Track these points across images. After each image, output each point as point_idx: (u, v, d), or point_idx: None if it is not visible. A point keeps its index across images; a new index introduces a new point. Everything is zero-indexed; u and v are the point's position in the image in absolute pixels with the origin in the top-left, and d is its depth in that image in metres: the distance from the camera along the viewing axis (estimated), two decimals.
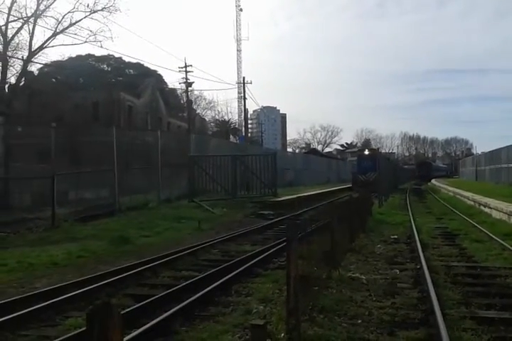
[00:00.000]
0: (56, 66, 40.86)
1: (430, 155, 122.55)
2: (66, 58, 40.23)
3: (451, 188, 31.48)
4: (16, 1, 28.06)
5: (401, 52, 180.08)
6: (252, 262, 7.99)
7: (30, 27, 28.99)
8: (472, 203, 19.84)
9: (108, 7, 29.26)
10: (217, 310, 5.57)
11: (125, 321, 5.05)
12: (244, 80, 44.00)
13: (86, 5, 28.91)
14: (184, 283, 6.61)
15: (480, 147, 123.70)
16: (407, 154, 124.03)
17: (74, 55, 44.52)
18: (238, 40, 79.58)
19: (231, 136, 64.64)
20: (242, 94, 44.65)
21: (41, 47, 29.88)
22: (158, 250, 9.72)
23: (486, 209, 16.46)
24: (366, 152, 36.22)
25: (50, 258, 8.99)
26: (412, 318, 5.30)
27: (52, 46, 30.72)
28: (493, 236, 10.64)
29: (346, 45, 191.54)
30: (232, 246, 10.44)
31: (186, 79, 40.72)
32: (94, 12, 29.23)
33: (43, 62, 33.75)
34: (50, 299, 5.78)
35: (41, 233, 12.24)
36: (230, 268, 7.54)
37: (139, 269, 7.61)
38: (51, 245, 10.54)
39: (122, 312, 5.30)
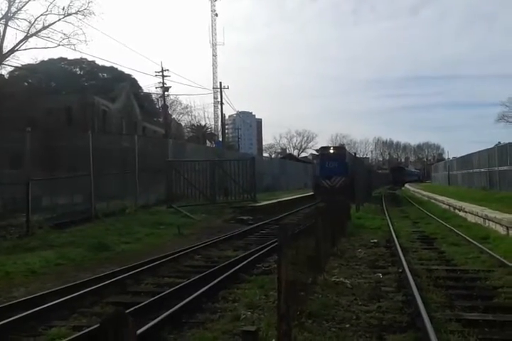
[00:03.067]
0: (28, 69, 40.02)
1: (403, 160, 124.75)
2: (38, 62, 39.43)
3: (425, 193, 32.08)
4: None
5: (375, 59, 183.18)
6: (237, 268, 7.94)
7: (1, 29, 28.52)
8: (447, 207, 20.25)
9: (82, 10, 29.03)
10: (204, 317, 5.50)
11: None
12: (221, 85, 44.00)
13: (61, 8, 28.59)
14: (169, 290, 6.51)
15: (451, 152, 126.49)
16: (380, 159, 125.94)
17: (46, 59, 43.67)
18: (214, 45, 79.71)
19: (207, 141, 64.44)
20: (219, 99, 44.64)
21: (13, 50, 29.36)
22: (139, 256, 9.57)
23: (461, 213, 16.81)
24: (331, 150, 28.04)
25: (27, 266, 8.72)
26: (399, 322, 5.35)
27: (25, 49, 30.20)
28: (471, 240, 10.87)
29: (322, 51, 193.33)
30: (214, 252, 10.36)
31: (163, 83, 40.47)
32: (68, 15, 28.97)
33: (15, 65, 33.06)
34: (30, 308, 5.60)
35: (15, 240, 11.87)
36: (215, 274, 7.48)
37: (121, 276, 7.47)
38: (27, 252, 10.23)
39: None
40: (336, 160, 25.94)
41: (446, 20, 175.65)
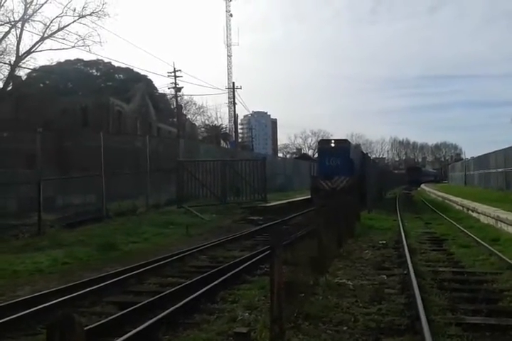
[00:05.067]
0: (44, 71, 40.59)
1: (420, 160, 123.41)
2: (55, 63, 39.98)
3: (440, 193, 31.67)
4: (2, 5, 27.94)
5: (392, 58, 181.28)
6: (240, 268, 7.92)
7: (18, 31, 28.86)
8: (461, 208, 19.96)
9: (97, 12, 29.22)
10: (201, 318, 5.49)
11: (108, 329, 4.99)
12: (233, 85, 44.08)
13: (73, 9, 28.86)
14: (169, 290, 6.53)
15: (469, 152, 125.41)
16: (397, 159, 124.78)
17: (63, 60, 44.25)
18: (228, 46, 79.80)
19: (222, 141, 64.59)
20: (232, 100, 44.70)
21: (29, 52, 29.71)
22: (146, 256, 9.62)
23: (474, 214, 16.56)
24: (332, 144, 22.83)
25: (35, 265, 8.86)
26: (398, 325, 5.26)
27: (40, 51, 30.56)
28: (481, 241, 10.68)
29: (338, 51, 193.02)
30: (220, 252, 10.36)
31: (175, 84, 40.69)
32: (83, 17, 29.17)
33: (31, 67, 33.55)
34: (31, 307, 5.67)
35: (27, 239, 12.09)
36: (217, 274, 7.48)
37: (125, 276, 7.51)
38: (37, 252, 10.39)
39: (105, 320, 5.22)
40: (339, 156, 21.41)
41: (465, 19, 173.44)
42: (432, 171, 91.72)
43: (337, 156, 21.51)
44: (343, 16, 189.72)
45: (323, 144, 23.85)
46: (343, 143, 22.99)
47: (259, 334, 4.62)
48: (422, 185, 57.62)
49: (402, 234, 12.22)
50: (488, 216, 14.32)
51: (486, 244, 10.25)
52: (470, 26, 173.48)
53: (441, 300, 6.17)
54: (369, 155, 32.01)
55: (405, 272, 7.82)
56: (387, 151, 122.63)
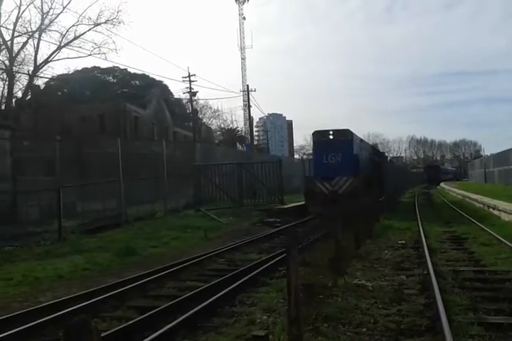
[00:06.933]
0: (62, 79, 41.25)
1: (439, 158, 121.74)
2: (72, 71, 40.58)
3: (459, 191, 31.23)
4: (20, 17, 28.54)
5: (409, 56, 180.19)
6: (257, 271, 7.94)
7: (35, 42, 29.46)
8: (481, 206, 19.66)
9: (111, 19, 29.66)
10: (220, 321, 5.52)
11: (128, 334, 5.05)
12: (248, 88, 44.18)
13: (89, 18, 29.34)
14: (188, 294, 6.57)
15: (488, 149, 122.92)
16: (415, 158, 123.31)
17: (80, 68, 44.90)
18: (242, 49, 79.77)
19: (238, 144, 64.70)
20: (247, 102, 44.80)
21: (46, 61, 30.31)
22: (164, 260, 9.70)
23: (495, 212, 16.29)
24: (330, 136, 18.01)
25: (56, 271, 8.98)
26: (418, 325, 5.21)
27: (58, 60, 31.12)
28: (502, 239, 10.51)
29: (354, 51, 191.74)
30: (237, 255, 10.38)
31: (190, 88, 40.97)
32: (98, 25, 29.66)
33: (49, 76, 34.19)
34: (53, 313, 5.77)
35: (48, 246, 12.26)
36: (235, 277, 7.50)
37: (144, 280, 7.58)
38: (58, 258, 10.54)
39: (125, 324, 5.28)
40: (339, 151, 17.35)
41: (483, 15, 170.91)
42: (451, 169, 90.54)
43: (337, 151, 17.42)
44: (357, 16, 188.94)
45: (319, 137, 18.41)
46: (343, 135, 17.98)
47: (277, 337, 4.62)
48: (442, 184, 56.89)
49: (422, 233, 12.10)
50: (509, 213, 14.09)
51: (507, 242, 10.09)
52: (488, 22, 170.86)
53: (463, 300, 6.09)
54: (386, 154, 31.57)
55: (425, 272, 7.74)
56: (405, 150, 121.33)
